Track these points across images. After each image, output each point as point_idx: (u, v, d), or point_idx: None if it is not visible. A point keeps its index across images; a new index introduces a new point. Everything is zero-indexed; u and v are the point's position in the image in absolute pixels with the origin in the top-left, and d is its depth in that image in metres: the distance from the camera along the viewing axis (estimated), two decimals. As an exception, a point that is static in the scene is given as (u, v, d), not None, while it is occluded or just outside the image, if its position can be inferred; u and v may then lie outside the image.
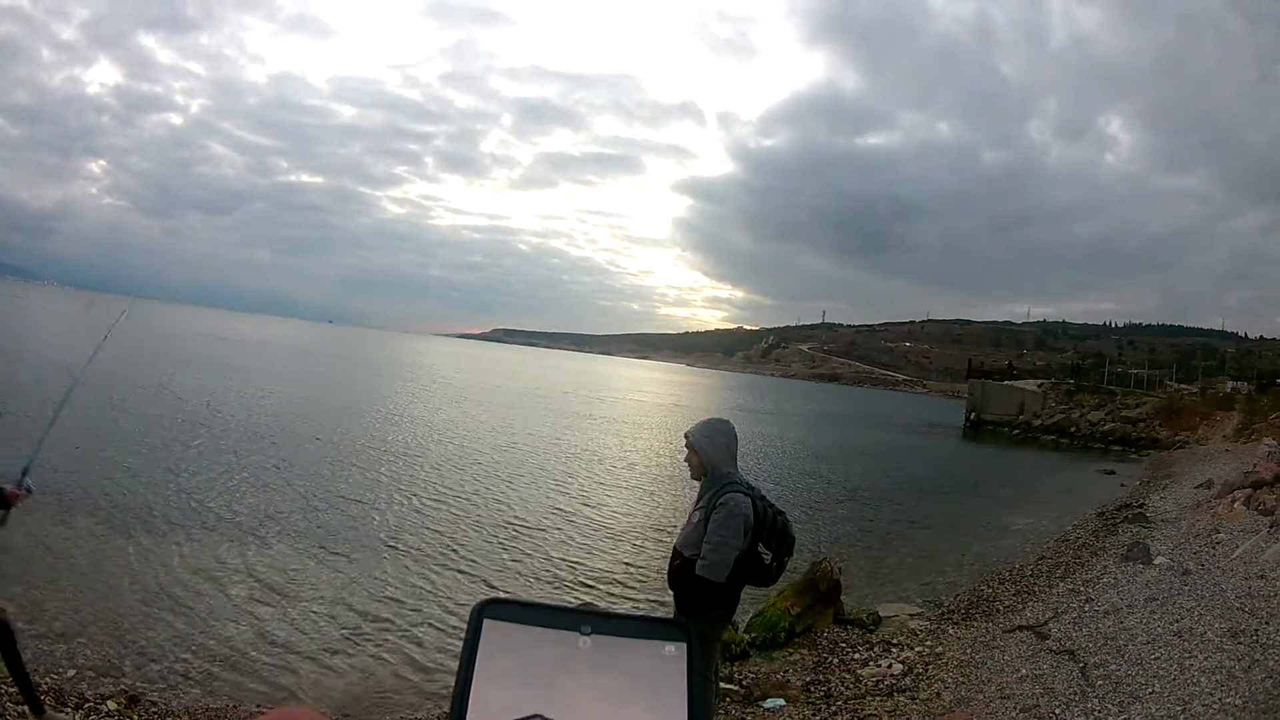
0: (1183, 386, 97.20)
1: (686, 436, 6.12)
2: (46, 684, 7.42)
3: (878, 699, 8.81)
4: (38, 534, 12.23)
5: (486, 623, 0.69)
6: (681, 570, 5.92)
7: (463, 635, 0.70)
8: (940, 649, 10.66)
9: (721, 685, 8.32)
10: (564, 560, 15.11)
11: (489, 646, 0.68)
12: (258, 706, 8.20)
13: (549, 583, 13.76)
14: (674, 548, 6.12)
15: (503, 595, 0.72)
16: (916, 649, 10.64)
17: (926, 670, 9.82)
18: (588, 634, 0.69)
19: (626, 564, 15.23)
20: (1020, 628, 11.10)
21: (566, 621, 0.70)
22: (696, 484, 6.18)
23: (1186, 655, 8.75)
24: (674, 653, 0.70)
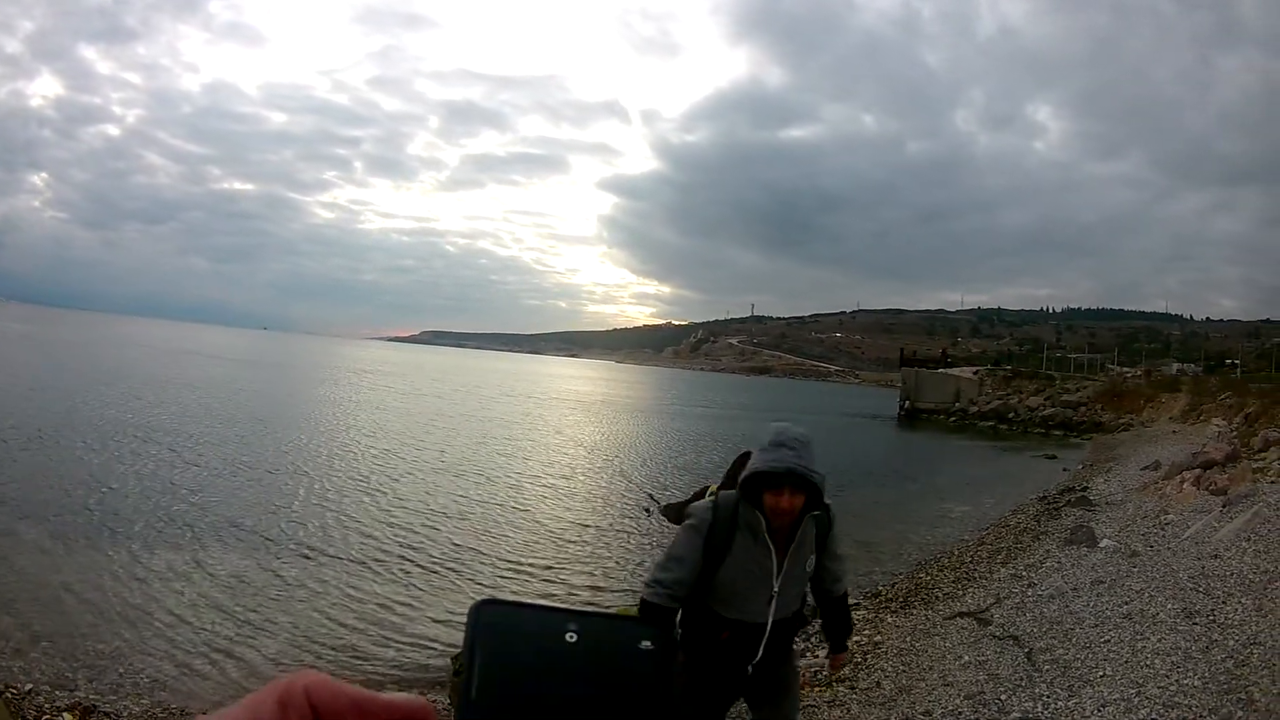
0: (1125, 370, 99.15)
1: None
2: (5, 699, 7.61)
3: (816, 689, 8.75)
4: None
5: (483, 620, 0.75)
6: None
7: (459, 633, 0.94)
8: (879, 638, 10.69)
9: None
10: (503, 559, 15.48)
11: (486, 643, 0.75)
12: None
13: (485, 583, 13.99)
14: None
15: (499, 596, 0.82)
16: (854, 638, 10.55)
17: (865, 660, 9.85)
18: (574, 631, 0.75)
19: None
20: (961, 614, 11.12)
21: (555, 620, 0.76)
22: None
23: (1138, 637, 8.79)
24: (650, 647, 0.77)
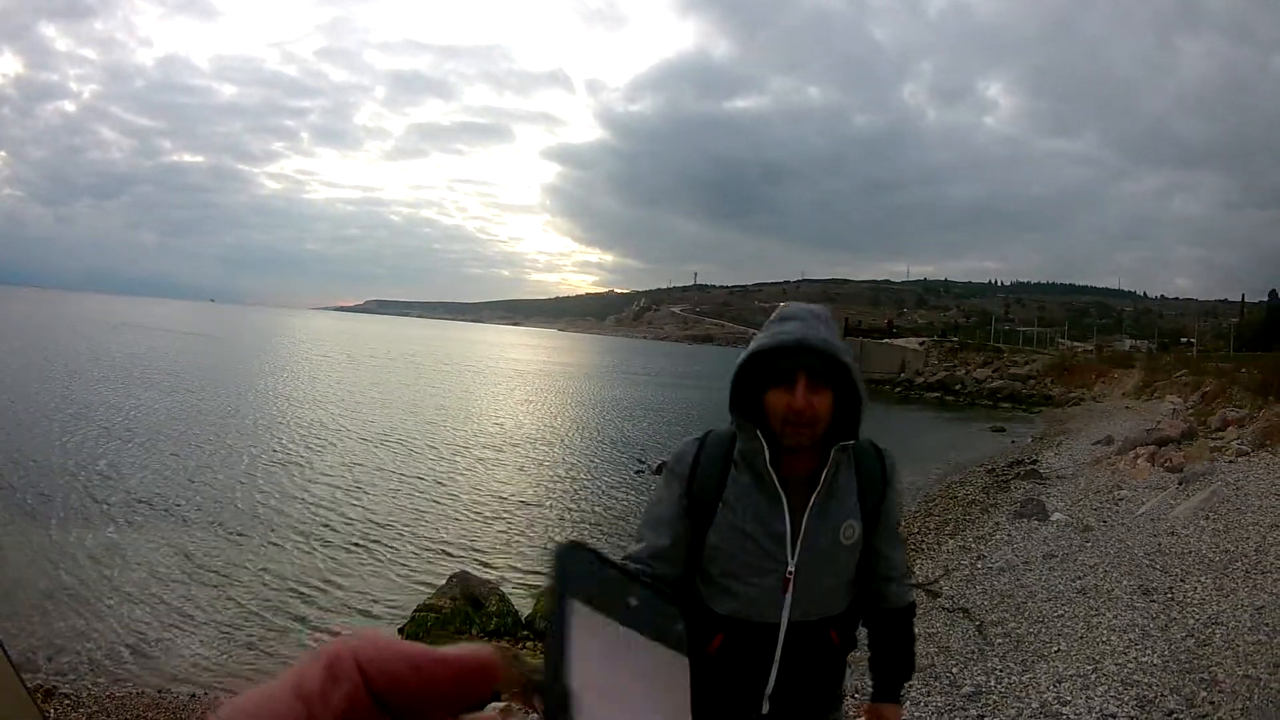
0: (1076, 344, 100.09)
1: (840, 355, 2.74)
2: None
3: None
4: None
5: (569, 568, 0.66)
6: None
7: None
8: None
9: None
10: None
11: (573, 590, 0.66)
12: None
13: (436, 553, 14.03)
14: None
15: (584, 542, 0.66)
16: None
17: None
18: (636, 598, 0.68)
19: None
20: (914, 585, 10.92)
21: (625, 583, 0.68)
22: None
23: (1093, 613, 8.77)
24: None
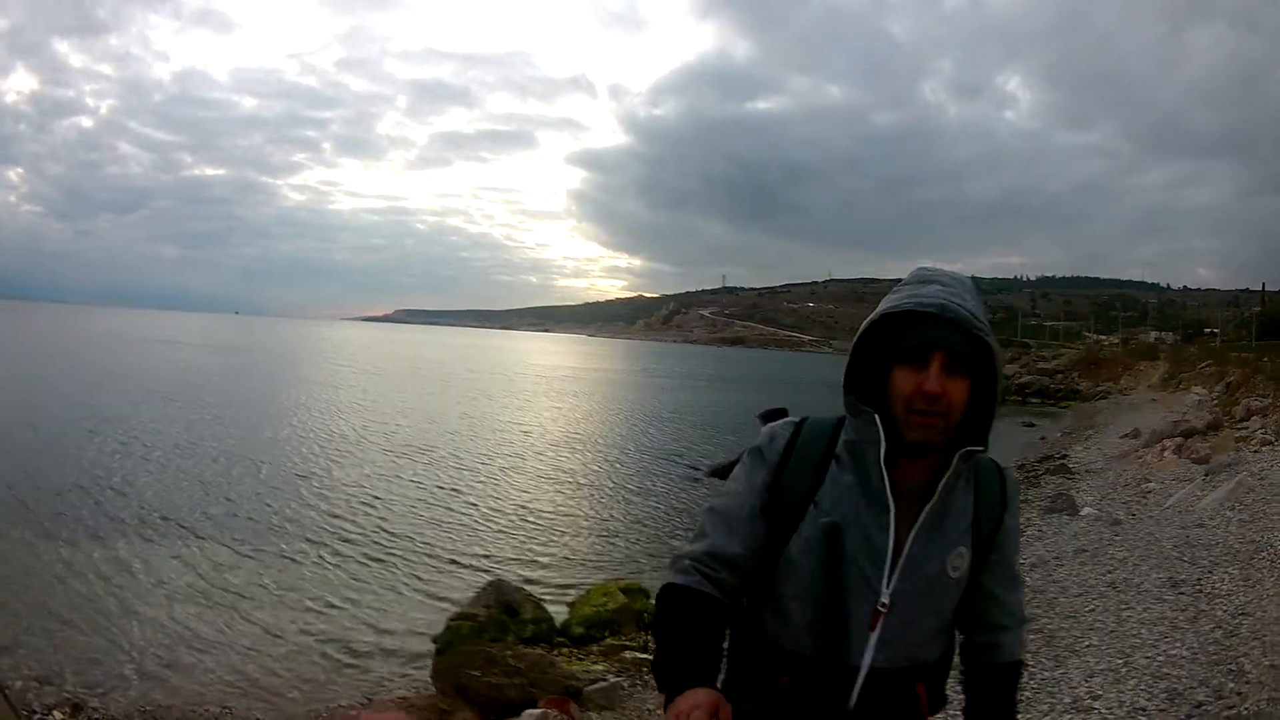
0: (1102, 337, 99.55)
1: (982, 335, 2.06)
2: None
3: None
4: None
5: None
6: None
7: None
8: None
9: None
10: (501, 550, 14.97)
11: None
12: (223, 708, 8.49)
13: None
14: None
15: None
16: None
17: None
18: None
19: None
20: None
21: None
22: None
23: (1124, 607, 8.76)
24: None
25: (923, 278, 2.15)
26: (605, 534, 15.85)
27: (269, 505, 16.83)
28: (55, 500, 15.94)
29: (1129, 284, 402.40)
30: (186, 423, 27.84)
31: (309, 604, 11.53)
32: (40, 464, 19.17)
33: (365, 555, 13.96)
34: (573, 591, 11.84)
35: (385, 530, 15.45)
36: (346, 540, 14.75)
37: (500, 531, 15.83)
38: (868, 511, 2.08)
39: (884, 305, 2.11)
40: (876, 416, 2.06)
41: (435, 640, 9.51)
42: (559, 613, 10.63)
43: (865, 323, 2.13)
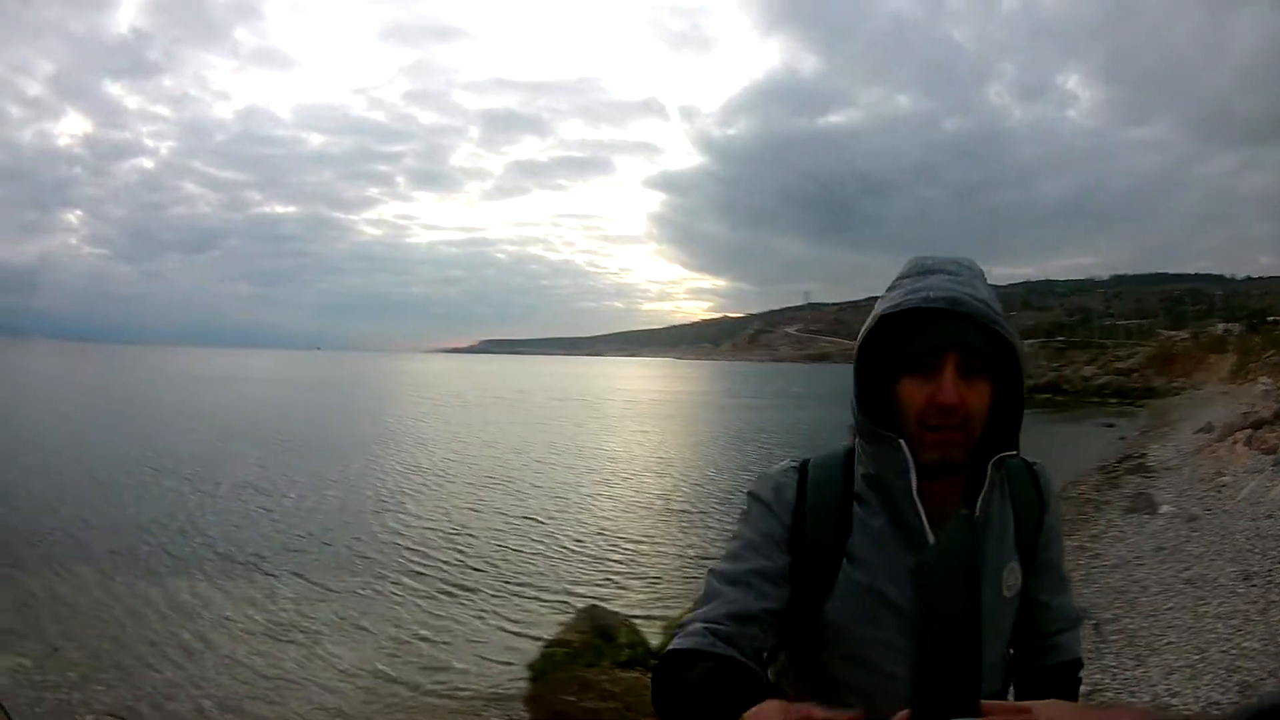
0: (1173, 333, 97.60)
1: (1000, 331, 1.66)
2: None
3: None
4: (48, 583, 12.40)
5: None
6: None
7: None
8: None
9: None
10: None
11: None
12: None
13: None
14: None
15: None
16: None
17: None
18: None
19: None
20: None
21: None
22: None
23: (1200, 602, 8.67)
24: None
25: (923, 267, 1.76)
26: (695, 557, 15.08)
27: (345, 540, 16.21)
28: (128, 537, 15.60)
29: (1196, 277, 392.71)
30: (257, 459, 27.01)
31: (389, 637, 11.01)
32: (112, 501, 18.86)
33: (446, 587, 13.36)
34: (665, 615, 11.38)
35: (466, 561, 14.79)
36: (425, 573, 14.10)
37: (588, 559, 15.21)
38: (908, 555, 1.69)
39: (882, 305, 1.73)
40: (902, 441, 1.66)
41: (530, 667, 9.23)
42: (655, 636, 10.17)
43: (864, 329, 1.75)
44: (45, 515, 16.88)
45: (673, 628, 1.76)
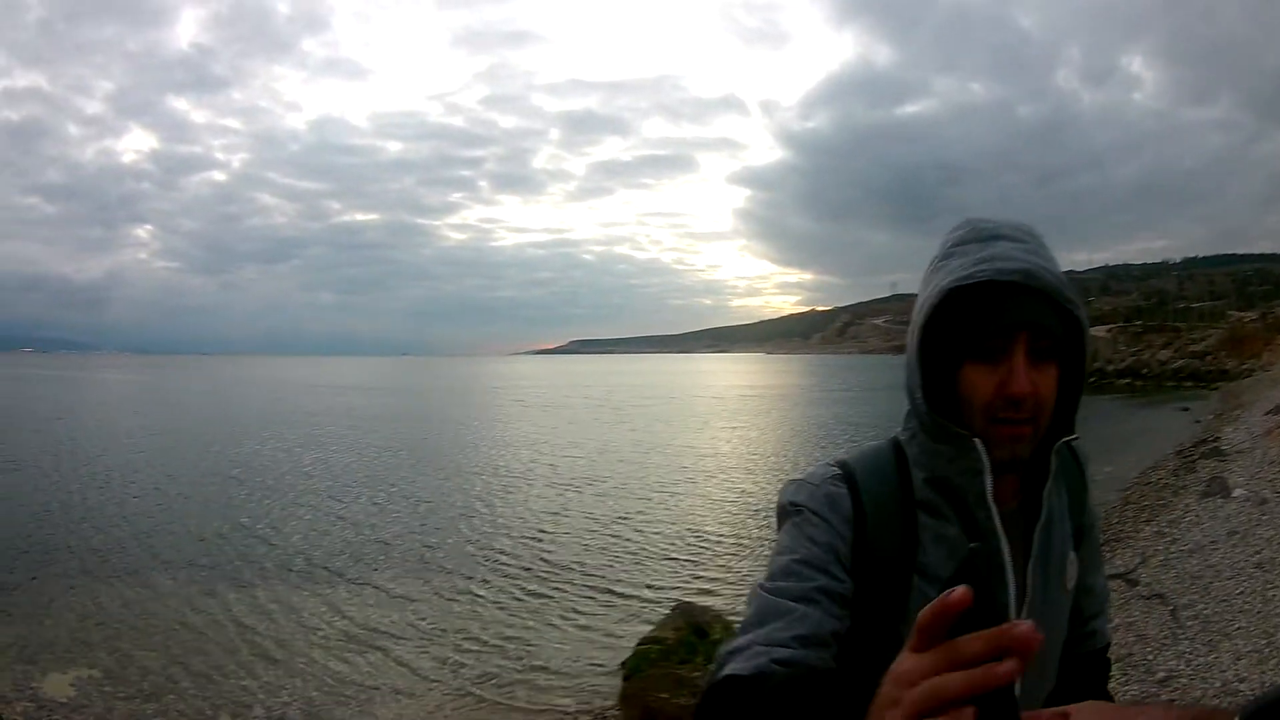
0: (1244, 314, 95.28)
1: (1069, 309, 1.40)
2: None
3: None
4: (123, 593, 12.46)
5: None
6: None
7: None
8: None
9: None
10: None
11: None
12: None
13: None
14: None
15: None
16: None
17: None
18: None
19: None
20: (1111, 576, 10.94)
21: None
22: None
23: (1269, 586, 8.57)
24: None
25: (985, 232, 1.44)
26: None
27: (429, 545, 15.78)
28: (207, 545, 15.46)
29: (1265, 257, 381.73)
30: (343, 465, 26.69)
31: (475, 639, 10.74)
32: (192, 510, 18.77)
33: (535, 589, 12.98)
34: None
35: (554, 563, 14.40)
36: (512, 575, 13.73)
37: (677, 558, 14.75)
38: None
39: (943, 277, 1.42)
40: (978, 441, 1.39)
41: (623, 665, 9.03)
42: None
43: (925, 306, 1.44)
44: (118, 526, 17.06)
45: (714, 652, 1.49)
